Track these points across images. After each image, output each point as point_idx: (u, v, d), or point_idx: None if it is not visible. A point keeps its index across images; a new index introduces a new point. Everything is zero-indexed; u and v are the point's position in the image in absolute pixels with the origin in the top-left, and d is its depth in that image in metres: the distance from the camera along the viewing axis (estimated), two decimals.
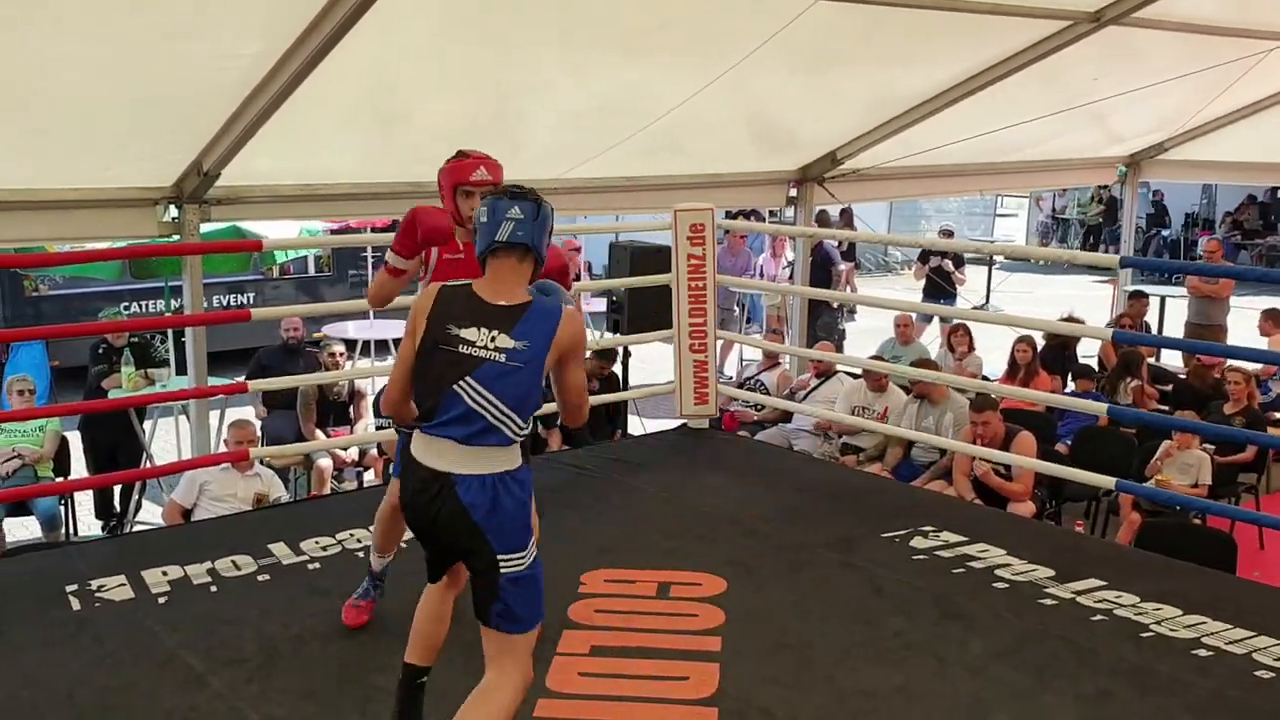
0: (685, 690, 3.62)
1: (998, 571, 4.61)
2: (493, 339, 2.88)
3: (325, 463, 7.04)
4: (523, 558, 2.92)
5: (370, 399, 7.64)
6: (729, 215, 9.24)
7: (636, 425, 8.55)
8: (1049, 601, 4.34)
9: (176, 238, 5.58)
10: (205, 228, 5.69)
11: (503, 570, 2.89)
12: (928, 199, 18.79)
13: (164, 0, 4.16)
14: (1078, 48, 6.62)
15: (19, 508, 6.47)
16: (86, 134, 4.97)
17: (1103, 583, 4.48)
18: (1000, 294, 15.64)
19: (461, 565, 3.10)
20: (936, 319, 10.90)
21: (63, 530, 6.53)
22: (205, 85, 4.77)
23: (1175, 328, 10.79)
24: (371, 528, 4.14)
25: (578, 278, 11.64)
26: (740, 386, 8.17)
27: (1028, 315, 9.18)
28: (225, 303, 11.14)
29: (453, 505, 2.87)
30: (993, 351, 9.36)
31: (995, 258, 15.93)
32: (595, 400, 6.75)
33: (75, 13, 4.11)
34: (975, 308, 14.65)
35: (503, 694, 2.92)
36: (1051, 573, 4.59)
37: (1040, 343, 8.11)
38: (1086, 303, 13.14)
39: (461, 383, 2.87)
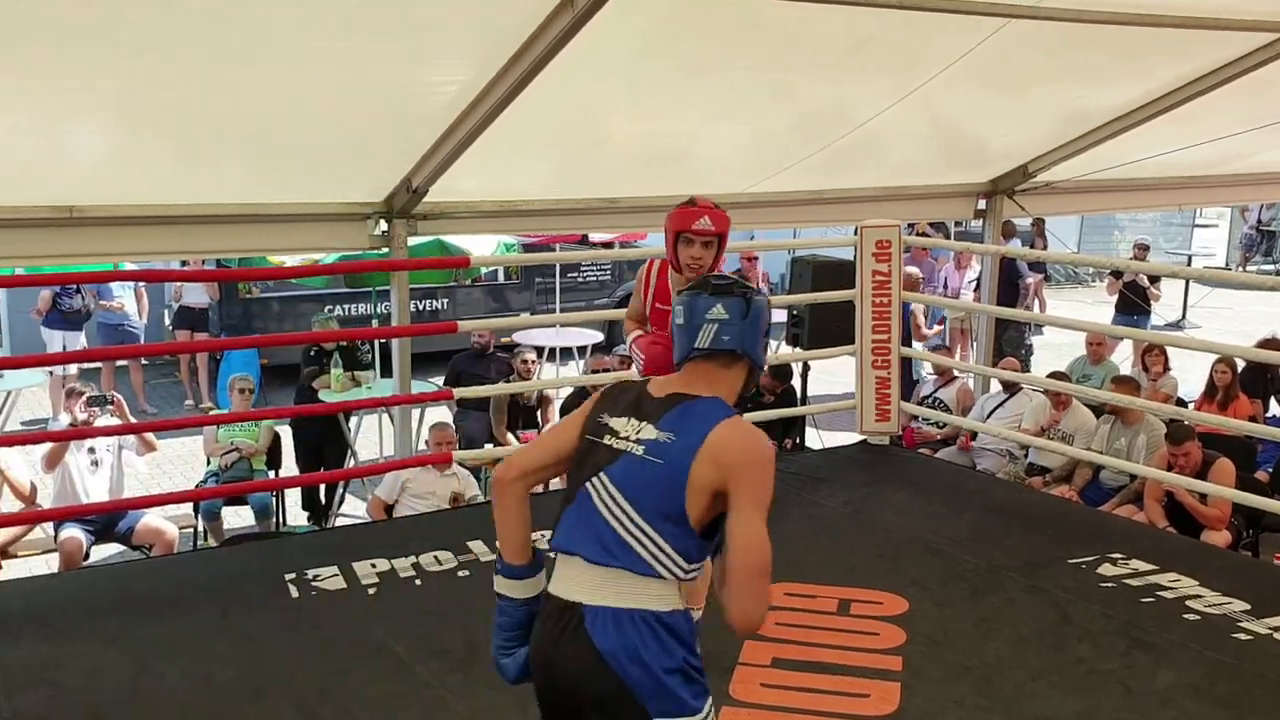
0: (866, 707, 3.69)
1: (1189, 603, 4.51)
2: (638, 430, 2.31)
3: None
4: None
5: (557, 405, 7.92)
6: (911, 227, 9.19)
7: (813, 438, 8.58)
8: (1243, 636, 4.22)
9: (386, 250, 5.94)
10: (412, 241, 6.03)
11: None
12: (1122, 211, 18.09)
13: (385, 33, 4.44)
14: None
15: (236, 498, 6.97)
16: (311, 154, 5.35)
17: None
18: (1198, 310, 14.98)
19: None
20: None
21: (274, 520, 7.00)
22: (419, 109, 5.07)
23: None
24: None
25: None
26: (920, 404, 8.11)
27: (1227, 333, 8.81)
28: (422, 308, 11.68)
29: (584, 649, 2.23)
30: (1190, 371, 9.02)
31: None
32: (772, 415, 6.88)
33: (307, 46, 4.45)
34: (1171, 324, 14.10)
35: None
36: (1247, 606, 4.46)
37: (1240, 363, 7.79)
38: None
39: (594, 479, 2.31)
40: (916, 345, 10.30)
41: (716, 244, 3.62)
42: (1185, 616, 4.40)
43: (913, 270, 10.81)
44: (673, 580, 2.26)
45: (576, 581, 2.28)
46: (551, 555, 2.38)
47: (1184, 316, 14.92)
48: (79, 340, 10.00)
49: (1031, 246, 12.41)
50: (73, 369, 9.68)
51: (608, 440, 2.33)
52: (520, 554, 2.43)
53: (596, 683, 2.23)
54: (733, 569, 2.19)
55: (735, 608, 2.19)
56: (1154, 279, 11.58)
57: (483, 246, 8.86)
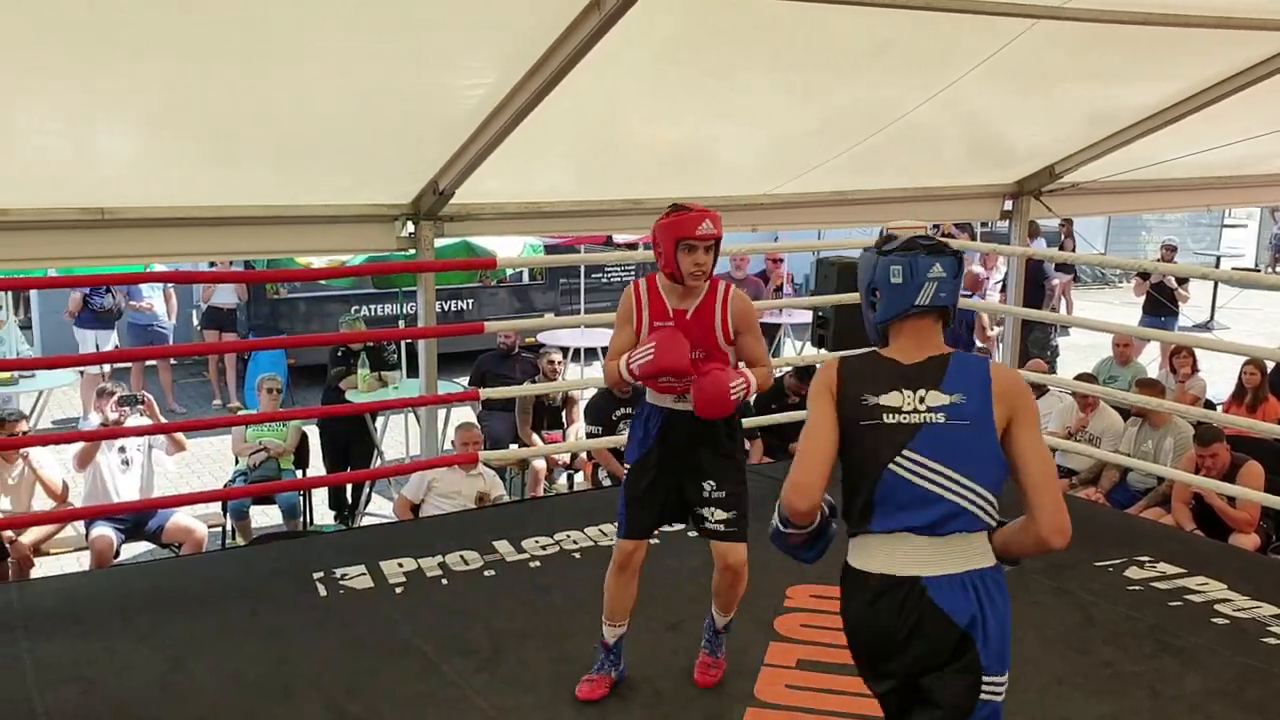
0: None
1: (1218, 606, 4.49)
2: (921, 399, 2.42)
3: (540, 464, 7.42)
4: (1003, 685, 2.44)
5: (581, 405, 7.95)
6: (937, 227, 9.14)
7: None
8: (1273, 640, 4.20)
9: (413, 251, 5.97)
10: (438, 242, 6.06)
11: (984, 696, 2.40)
12: (1150, 212, 17.98)
13: (412, 36, 4.47)
14: None
15: (263, 498, 7.03)
16: (338, 156, 5.38)
17: None
18: (1227, 311, 14.87)
19: None
20: None
21: (301, 519, 7.06)
22: (446, 112, 5.10)
23: None
24: (585, 530, 4.34)
25: (779, 290, 11.73)
26: None
27: (1257, 334, 8.74)
28: (447, 309, 11.73)
29: (930, 615, 2.38)
30: (1218, 374, 8.96)
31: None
32: (799, 416, 6.86)
33: (337, 49, 4.48)
34: (1200, 326, 13.99)
35: None
36: (1277, 610, 4.44)
37: (1270, 365, 7.73)
38: None
39: (899, 459, 2.41)
40: (979, 344, 10.29)
41: (715, 247, 3.55)
42: (1213, 620, 4.37)
43: (977, 270, 10.78)
44: (988, 530, 2.44)
45: (910, 557, 2.41)
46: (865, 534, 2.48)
47: (1212, 317, 14.82)
48: (111, 338, 10.11)
49: (1060, 248, 12.34)
50: (103, 368, 9.78)
51: (890, 419, 2.42)
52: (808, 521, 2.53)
53: (946, 647, 2.38)
54: (1040, 482, 2.41)
55: (1050, 519, 2.39)
56: (1182, 280, 11.50)
57: (508, 248, 8.91)
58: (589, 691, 3.72)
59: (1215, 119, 6.88)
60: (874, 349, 2.58)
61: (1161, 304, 11.37)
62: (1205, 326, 14.35)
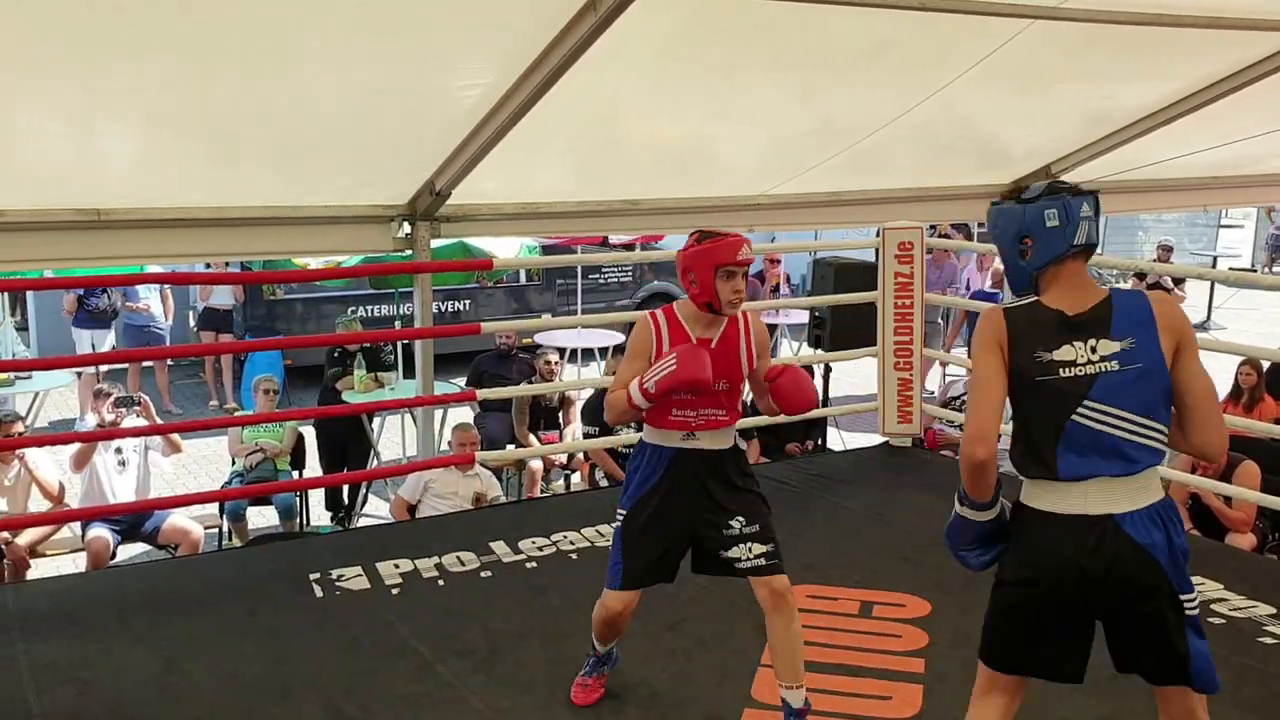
0: (888, 709, 3.69)
1: (1214, 606, 4.49)
2: (1093, 349, 2.55)
3: (536, 465, 7.42)
4: (1196, 600, 2.63)
5: (579, 406, 7.94)
6: (933, 228, 9.15)
7: (835, 439, 8.58)
8: (1269, 640, 4.20)
9: (409, 252, 5.97)
10: (435, 243, 6.06)
11: (1187, 611, 2.59)
12: (1147, 212, 18.01)
13: (410, 36, 4.47)
14: None
15: (260, 498, 7.02)
16: (335, 157, 5.39)
17: None
18: (1223, 312, 14.89)
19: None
20: None
21: (297, 520, 7.05)
22: (443, 112, 5.10)
23: None
24: (581, 531, 4.29)
25: (776, 289, 11.74)
26: (945, 405, 8.10)
27: (1254, 334, 8.76)
28: (444, 309, 11.73)
29: (1127, 549, 2.53)
30: (1215, 374, 8.95)
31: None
32: (794, 419, 6.86)
33: (333, 50, 4.48)
34: (1196, 326, 13.99)
35: None
36: (1273, 610, 4.44)
37: (1266, 365, 7.74)
38: None
39: (1080, 410, 2.55)
40: None
41: (746, 273, 3.41)
42: (1210, 620, 4.37)
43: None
44: (1159, 464, 2.59)
45: (1102, 497, 2.54)
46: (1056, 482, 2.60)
47: (1209, 318, 14.83)
48: (108, 338, 10.10)
49: None
50: (98, 368, 9.77)
51: (1065, 373, 2.56)
52: (986, 494, 2.70)
53: (1142, 575, 2.53)
54: (1203, 404, 2.60)
55: (1213, 436, 2.63)
56: (1178, 280, 11.51)
57: (505, 248, 8.90)
58: (584, 697, 3.69)
59: (1210, 120, 6.90)
60: (1034, 299, 2.64)
61: None
62: (1202, 327, 14.35)
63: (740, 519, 3.39)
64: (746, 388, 3.59)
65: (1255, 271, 18.95)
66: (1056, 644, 2.67)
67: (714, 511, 3.40)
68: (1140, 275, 11.64)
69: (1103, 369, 2.54)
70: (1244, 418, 6.88)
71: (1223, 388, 7.83)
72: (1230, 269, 16.39)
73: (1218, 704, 3.72)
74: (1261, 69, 6.31)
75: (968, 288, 11.58)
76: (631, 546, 3.44)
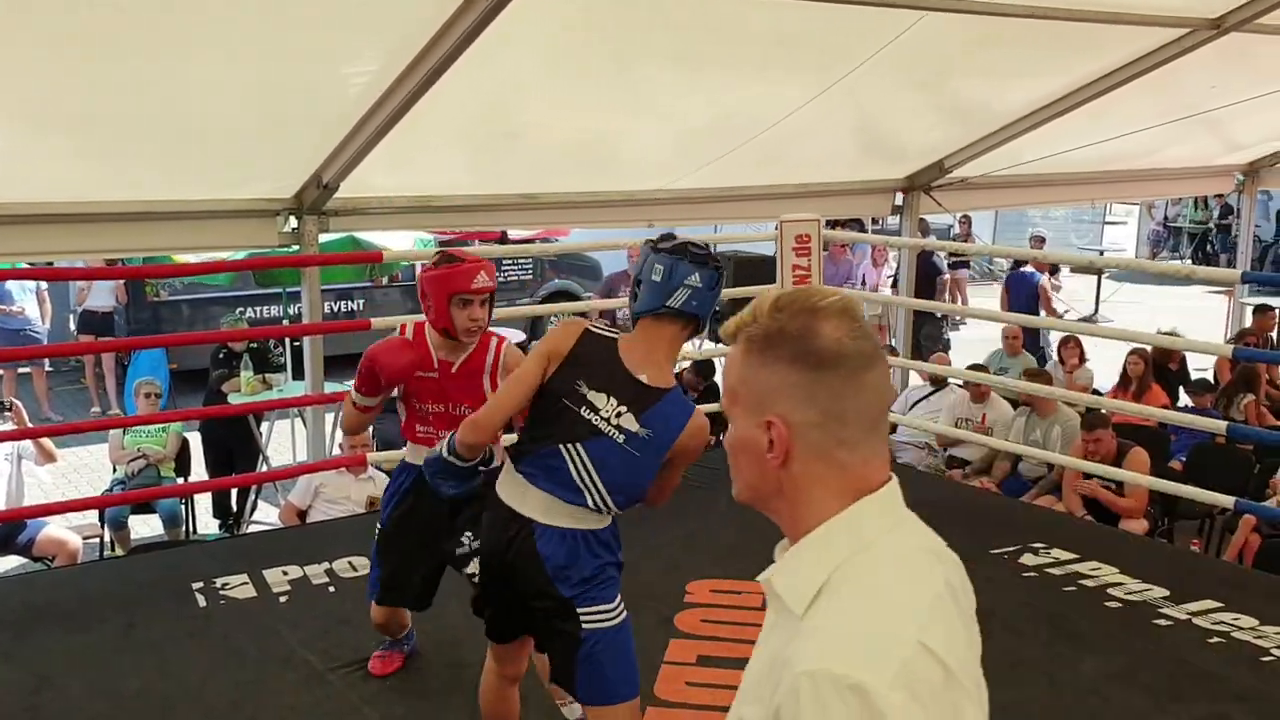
0: None
1: (1110, 590, 4.55)
2: (618, 415, 2.65)
3: None
4: (607, 612, 2.74)
5: None
6: (830, 224, 9.22)
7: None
8: (1164, 622, 4.27)
9: (296, 248, 5.76)
10: (323, 238, 5.86)
11: (584, 624, 2.70)
12: (1036, 207, 18.45)
13: (292, 23, 4.31)
14: (1196, 55, 6.46)
15: (143, 506, 6.72)
16: (217, 149, 5.17)
17: (1219, 604, 4.40)
18: (1110, 304, 15.29)
19: (524, 646, 2.95)
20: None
21: (183, 528, 6.77)
22: (329, 102, 4.93)
23: None
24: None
25: None
26: None
27: (1138, 326, 8.99)
28: (336, 309, 11.44)
29: (528, 551, 2.68)
30: (1104, 363, 9.16)
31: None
32: (709, 408, 6.83)
33: (212, 39, 4.29)
34: (1084, 319, 14.37)
35: None
36: (1166, 592, 4.51)
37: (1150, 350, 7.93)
38: (1199, 315, 12.81)
39: (571, 447, 2.67)
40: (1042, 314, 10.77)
41: (490, 300, 3.35)
42: (1107, 604, 4.43)
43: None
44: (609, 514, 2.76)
45: (531, 503, 2.69)
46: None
47: (1096, 310, 15.23)
48: None
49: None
50: None
51: (586, 414, 2.66)
52: (475, 458, 2.83)
53: (536, 574, 2.68)
54: (663, 495, 2.82)
55: (658, 502, 2.84)
56: (1054, 269, 11.77)
57: (398, 244, 8.66)
58: (383, 667, 3.77)
59: (1099, 114, 7.04)
60: (620, 335, 2.75)
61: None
62: (1090, 319, 14.73)
63: (469, 534, 3.31)
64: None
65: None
66: (495, 610, 2.88)
67: (451, 530, 3.37)
68: (1016, 266, 11.88)
69: (609, 433, 2.65)
70: (1134, 404, 7.02)
71: (1113, 378, 8.01)
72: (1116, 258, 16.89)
73: (1117, 687, 3.77)
74: (1147, 63, 6.45)
75: (863, 283, 11.70)
76: (383, 560, 3.56)
